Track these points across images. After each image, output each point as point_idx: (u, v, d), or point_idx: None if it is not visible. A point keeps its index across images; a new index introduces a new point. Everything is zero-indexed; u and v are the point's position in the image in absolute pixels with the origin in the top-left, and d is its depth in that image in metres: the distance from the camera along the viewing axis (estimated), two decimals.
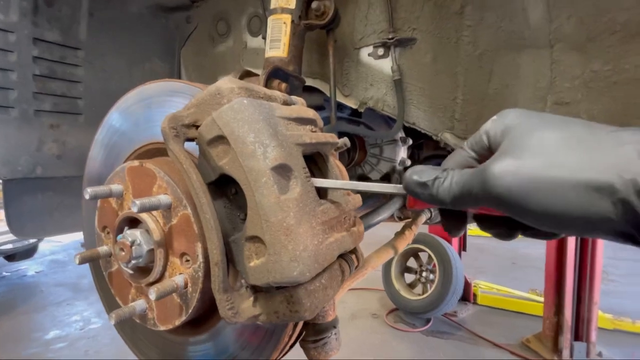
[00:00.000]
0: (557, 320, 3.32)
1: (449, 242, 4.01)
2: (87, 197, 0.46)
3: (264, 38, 1.05)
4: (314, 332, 0.51)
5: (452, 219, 0.41)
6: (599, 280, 3.41)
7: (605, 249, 3.69)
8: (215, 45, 1.16)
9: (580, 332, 3.33)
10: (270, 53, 0.74)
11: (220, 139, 0.37)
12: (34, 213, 0.98)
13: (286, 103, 0.48)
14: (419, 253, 4.09)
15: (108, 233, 0.53)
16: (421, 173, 0.38)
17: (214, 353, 0.50)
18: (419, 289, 4.07)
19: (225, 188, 0.41)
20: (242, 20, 1.10)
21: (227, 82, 0.41)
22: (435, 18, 0.84)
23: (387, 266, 4.16)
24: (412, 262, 4.20)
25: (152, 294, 0.41)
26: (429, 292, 3.84)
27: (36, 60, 0.94)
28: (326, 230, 0.40)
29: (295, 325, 0.48)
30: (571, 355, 3.26)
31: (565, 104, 0.64)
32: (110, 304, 0.63)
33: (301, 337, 0.53)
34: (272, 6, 0.75)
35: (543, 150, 0.30)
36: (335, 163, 0.50)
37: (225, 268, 0.38)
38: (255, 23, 1.06)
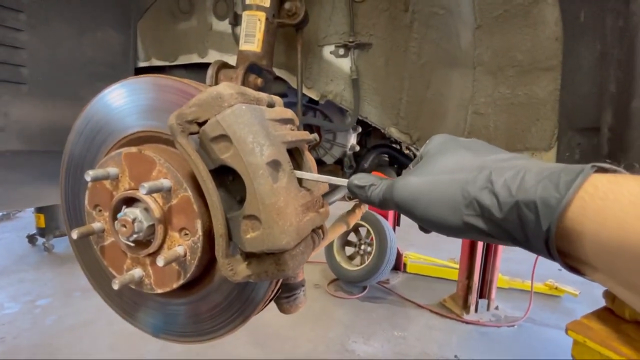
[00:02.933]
0: (468, 282, 3.97)
1: (386, 218, 4.43)
2: (88, 179, 0.51)
3: (231, 24, 1.08)
4: (287, 290, 0.64)
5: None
6: (501, 249, 4.12)
7: None
8: (177, 22, 1.15)
9: (484, 292, 4.04)
10: (244, 47, 0.80)
11: (223, 137, 0.46)
12: None
13: (270, 104, 0.58)
14: (359, 228, 4.46)
15: (100, 211, 0.58)
16: (361, 179, 0.47)
17: (207, 308, 0.61)
18: (357, 260, 4.46)
19: (222, 176, 0.50)
20: (206, 2, 1.10)
21: (226, 88, 0.49)
22: (389, 27, 0.97)
23: None
24: (352, 237, 4.56)
25: (160, 261, 0.49)
26: (367, 263, 4.24)
27: None
28: (304, 210, 0.51)
29: (275, 285, 0.60)
30: (476, 310, 3.96)
31: (480, 114, 0.84)
32: (95, 276, 0.67)
33: (275, 296, 0.65)
34: (247, 2, 0.80)
35: (432, 172, 0.39)
36: (308, 156, 0.61)
37: (228, 239, 0.48)
38: (221, 7, 1.08)
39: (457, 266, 4.17)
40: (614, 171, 0.30)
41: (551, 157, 0.69)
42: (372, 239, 4.28)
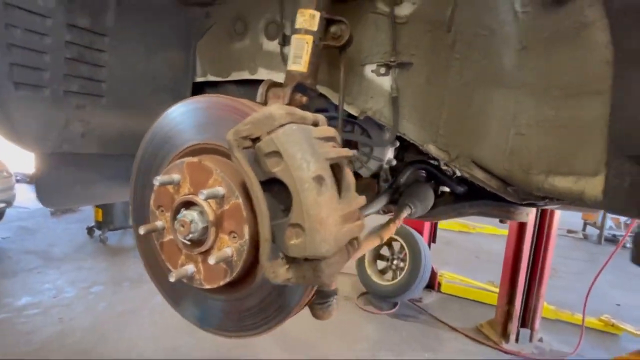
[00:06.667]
0: (508, 309, 3.72)
1: (421, 233, 4.31)
2: (156, 184, 0.59)
3: (280, 44, 1.16)
4: (321, 297, 0.68)
5: None
6: (547, 276, 3.82)
7: (558, 249, 4.12)
8: (232, 42, 1.26)
9: (526, 320, 3.76)
10: (292, 67, 0.87)
11: (276, 153, 0.52)
12: (60, 185, 1.07)
13: (314, 123, 0.63)
14: (392, 242, 4.38)
15: (162, 211, 0.66)
16: None
17: (248, 306, 0.66)
18: (389, 275, 4.37)
19: (269, 187, 0.56)
20: (259, 24, 1.20)
21: (277, 109, 0.55)
22: (431, 47, 0.99)
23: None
24: (384, 250, 4.49)
25: (212, 259, 0.55)
26: (399, 278, 4.14)
27: (68, 44, 1.01)
28: (343, 222, 0.55)
29: (310, 291, 0.65)
30: (517, 340, 3.68)
31: (522, 135, 0.82)
32: (151, 266, 0.76)
33: (309, 301, 0.69)
34: (297, 26, 0.87)
35: None
36: (347, 171, 0.65)
37: (271, 244, 0.53)
38: (272, 28, 1.17)
39: (497, 290, 3.93)
40: None
41: (599, 183, 0.67)
42: (405, 255, 4.18)
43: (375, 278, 4.33)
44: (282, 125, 0.53)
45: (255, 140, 0.55)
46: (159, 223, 0.65)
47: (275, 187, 0.56)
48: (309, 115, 0.61)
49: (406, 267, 4.11)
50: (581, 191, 0.69)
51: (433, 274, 4.56)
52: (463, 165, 1.01)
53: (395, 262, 4.36)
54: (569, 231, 8.28)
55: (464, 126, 0.98)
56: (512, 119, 0.85)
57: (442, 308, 4.31)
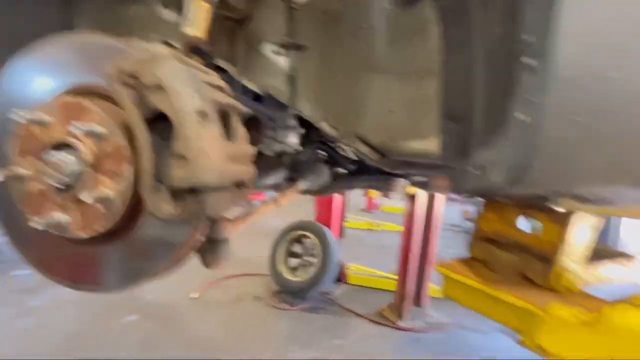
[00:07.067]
0: (403, 292, 4.23)
1: (329, 227, 4.58)
2: (21, 120, 0.54)
3: (177, 13, 1.15)
4: (211, 244, 0.70)
5: None
6: (433, 262, 4.49)
7: (443, 240, 4.86)
8: (123, 6, 1.18)
9: (420, 301, 4.33)
10: (187, 30, 0.88)
11: (159, 87, 0.53)
12: None
13: (204, 73, 0.66)
14: (304, 239, 4.54)
15: (28, 157, 0.60)
16: None
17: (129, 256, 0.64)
18: (300, 271, 4.50)
19: (156, 125, 0.57)
20: None
21: (163, 49, 0.57)
22: (322, 35, 1.12)
23: (273, 251, 4.48)
24: (296, 248, 4.62)
25: (89, 197, 0.53)
26: (309, 273, 4.31)
27: None
28: (229, 160, 0.60)
29: (196, 232, 0.66)
30: (410, 318, 4.21)
31: (392, 112, 1.01)
32: (10, 223, 0.66)
33: (198, 248, 0.71)
34: None
35: None
36: (238, 124, 0.70)
37: (153, 176, 0.54)
38: None
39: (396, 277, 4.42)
40: None
41: (437, 142, 0.88)
42: (315, 251, 4.37)
43: (287, 275, 4.41)
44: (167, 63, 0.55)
45: (138, 78, 0.55)
46: (22, 170, 0.58)
47: (160, 125, 0.57)
48: (196, 64, 0.64)
49: (316, 262, 4.30)
50: (426, 149, 0.89)
51: (341, 268, 4.87)
52: (350, 140, 1.16)
53: (306, 258, 4.52)
54: (453, 225, 9.87)
55: (350, 106, 1.13)
56: (384, 99, 1.03)
57: (349, 298, 4.62)
